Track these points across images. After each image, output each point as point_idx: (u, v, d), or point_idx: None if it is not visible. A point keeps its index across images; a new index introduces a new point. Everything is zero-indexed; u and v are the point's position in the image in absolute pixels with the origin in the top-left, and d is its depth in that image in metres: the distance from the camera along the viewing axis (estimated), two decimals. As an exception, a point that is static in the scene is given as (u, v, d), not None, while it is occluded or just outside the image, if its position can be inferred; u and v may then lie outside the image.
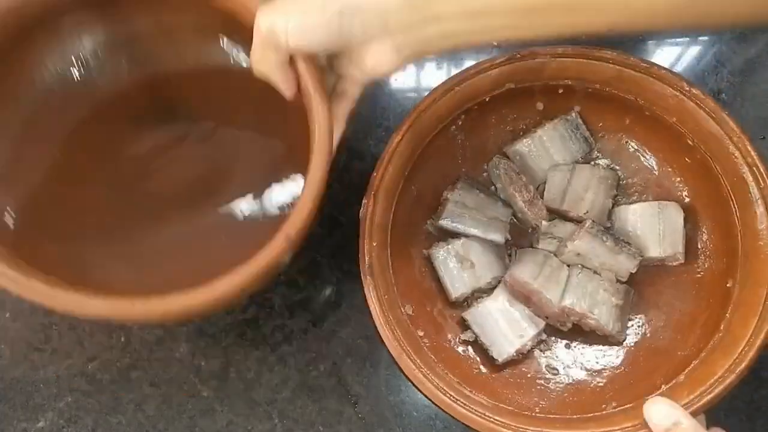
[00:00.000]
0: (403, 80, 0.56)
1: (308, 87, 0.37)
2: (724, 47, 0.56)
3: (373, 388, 0.48)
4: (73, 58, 0.44)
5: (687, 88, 0.43)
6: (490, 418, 0.39)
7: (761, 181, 0.41)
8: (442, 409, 0.40)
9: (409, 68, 0.56)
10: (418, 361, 0.41)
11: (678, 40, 0.56)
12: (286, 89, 0.38)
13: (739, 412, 0.46)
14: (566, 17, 0.33)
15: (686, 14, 0.32)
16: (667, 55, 0.56)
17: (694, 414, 0.36)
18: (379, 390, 0.48)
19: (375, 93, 0.55)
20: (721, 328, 0.42)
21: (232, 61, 0.46)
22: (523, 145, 0.49)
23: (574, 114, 0.49)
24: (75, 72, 0.45)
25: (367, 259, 0.42)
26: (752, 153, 0.42)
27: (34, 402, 0.48)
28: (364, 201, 0.43)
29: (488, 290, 0.47)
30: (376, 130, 0.54)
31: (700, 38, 0.56)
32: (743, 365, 0.38)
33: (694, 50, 0.56)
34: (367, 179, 0.44)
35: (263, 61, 0.37)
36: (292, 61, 0.37)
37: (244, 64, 0.45)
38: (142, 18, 0.44)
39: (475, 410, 0.40)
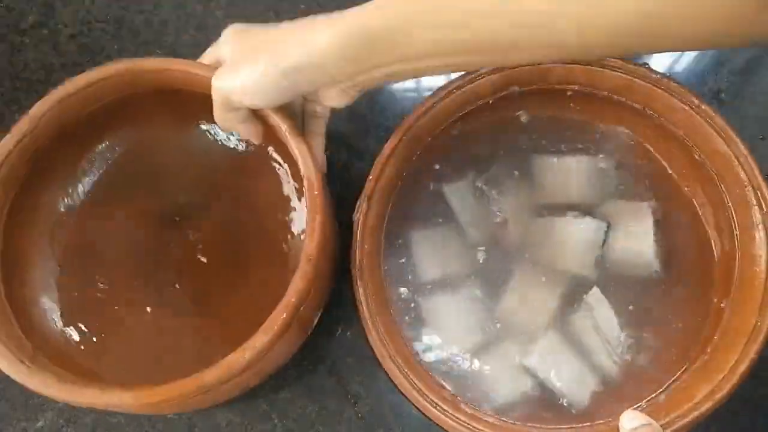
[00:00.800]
0: (402, 82, 0.56)
1: (285, 135, 0.40)
2: (724, 47, 0.56)
3: (373, 388, 0.48)
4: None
5: (696, 103, 0.43)
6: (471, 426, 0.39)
7: (763, 206, 0.41)
8: (424, 414, 0.40)
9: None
10: (402, 364, 0.40)
11: (678, 40, 0.56)
12: (254, 138, 0.43)
13: (739, 412, 0.46)
14: (500, 57, 0.35)
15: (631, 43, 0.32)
16: (667, 54, 0.56)
17: None
18: (379, 390, 0.48)
19: (375, 93, 0.55)
20: (708, 350, 0.41)
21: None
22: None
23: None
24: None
25: (357, 262, 0.42)
26: (758, 176, 0.41)
27: (34, 401, 0.48)
28: (357, 204, 0.44)
29: None
30: (376, 130, 0.54)
31: (700, 38, 0.56)
32: (723, 393, 0.37)
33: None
34: (364, 180, 0.44)
35: (226, 120, 0.41)
36: (256, 113, 0.41)
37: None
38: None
39: (458, 418, 0.39)
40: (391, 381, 0.41)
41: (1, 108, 0.57)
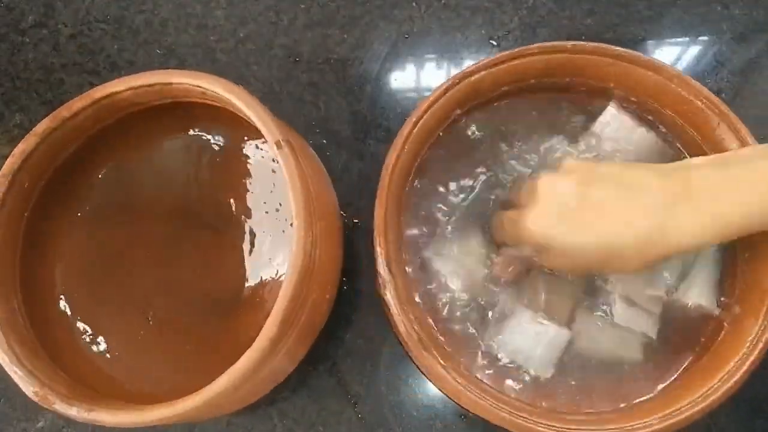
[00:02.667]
0: (403, 80, 0.56)
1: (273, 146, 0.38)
2: (724, 47, 0.56)
3: (373, 388, 0.48)
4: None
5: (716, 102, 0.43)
6: (517, 414, 0.38)
7: None
8: (461, 406, 0.39)
9: (409, 70, 0.56)
10: (445, 363, 0.39)
11: (678, 39, 0.56)
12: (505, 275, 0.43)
13: (739, 411, 0.46)
14: None
15: None
16: (667, 54, 0.56)
17: None
18: (379, 390, 0.48)
19: (375, 93, 0.55)
20: (711, 348, 0.41)
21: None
22: None
23: None
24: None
25: (383, 257, 0.41)
26: None
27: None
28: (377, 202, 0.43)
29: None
30: (376, 130, 0.54)
31: (700, 38, 0.56)
32: (717, 395, 0.37)
33: (694, 50, 0.56)
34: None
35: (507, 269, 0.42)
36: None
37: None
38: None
39: (500, 406, 0.38)
40: (421, 371, 0.40)
41: (0, 107, 0.57)
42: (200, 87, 0.40)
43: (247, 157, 0.48)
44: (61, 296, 0.46)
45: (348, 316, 0.49)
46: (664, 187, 0.35)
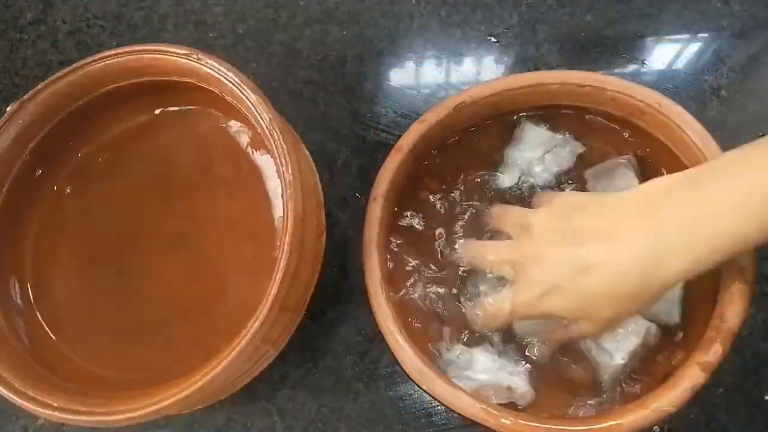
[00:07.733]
0: (402, 77, 0.56)
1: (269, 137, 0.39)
2: (724, 44, 0.55)
3: (373, 384, 0.48)
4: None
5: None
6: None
7: None
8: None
9: (408, 66, 0.56)
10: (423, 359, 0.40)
11: (678, 36, 0.56)
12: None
13: (739, 409, 0.46)
14: None
15: None
16: (667, 51, 0.56)
17: None
18: (378, 387, 0.48)
19: (374, 90, 0.55)
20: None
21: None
22: None
23: None
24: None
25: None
26: None
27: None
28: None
29: None
30: (375, 127, 0.54)
31: (700, 35, 0.56)
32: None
33: (694, 47, 0.56)
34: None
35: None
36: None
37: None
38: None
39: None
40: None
41: (-1, 105, 0.57)
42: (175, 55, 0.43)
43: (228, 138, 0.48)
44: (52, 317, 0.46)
45: (347, 312, 0.49)
46: (641, 225, 0.35)
